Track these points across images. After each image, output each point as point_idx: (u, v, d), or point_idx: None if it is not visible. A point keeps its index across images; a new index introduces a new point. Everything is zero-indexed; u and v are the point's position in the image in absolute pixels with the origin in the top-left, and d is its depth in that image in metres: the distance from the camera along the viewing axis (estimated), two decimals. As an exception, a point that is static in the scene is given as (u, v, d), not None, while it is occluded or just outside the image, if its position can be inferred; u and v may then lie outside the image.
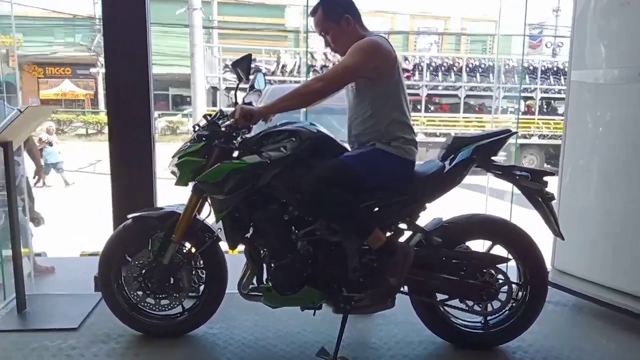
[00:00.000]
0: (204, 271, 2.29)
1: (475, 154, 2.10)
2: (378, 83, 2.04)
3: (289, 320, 2.48)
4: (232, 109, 2.08)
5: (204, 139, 2.09)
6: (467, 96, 13.10)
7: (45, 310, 2.60)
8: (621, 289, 2.43)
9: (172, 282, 2.21)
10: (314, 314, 2.21)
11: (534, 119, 13.10)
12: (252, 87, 2.28)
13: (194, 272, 2.26)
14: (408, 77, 12.14)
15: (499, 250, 2.24)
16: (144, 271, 2.21)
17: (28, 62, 19.25)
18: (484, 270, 2.16)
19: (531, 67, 13.44)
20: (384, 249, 2.01)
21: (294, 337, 2.35)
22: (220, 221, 2.10)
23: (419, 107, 12.65)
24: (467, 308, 2.23)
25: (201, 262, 2.28)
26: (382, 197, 2.09)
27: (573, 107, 2.58)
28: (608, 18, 2.36)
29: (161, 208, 2.35)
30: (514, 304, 2.25)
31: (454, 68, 12.72)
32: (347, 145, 2.21)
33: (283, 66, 12.25)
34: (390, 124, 2.07)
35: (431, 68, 12.67)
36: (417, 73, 12.62)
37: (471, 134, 2.25)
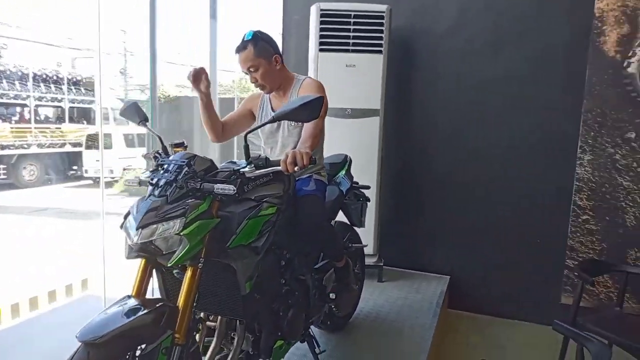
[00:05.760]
0: None
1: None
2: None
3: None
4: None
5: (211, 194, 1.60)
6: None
7: None
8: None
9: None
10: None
11: (30, 128, 12.42)
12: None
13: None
14: None
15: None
16: None
17: None
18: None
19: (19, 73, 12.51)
20: (344, 266, 2.34)
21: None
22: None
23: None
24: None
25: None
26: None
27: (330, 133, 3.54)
28: (342, 74, 3.47)
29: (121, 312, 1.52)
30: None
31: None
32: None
33: None
34: (321, 156, 2.37)
35: None
36: None
37: (336, 161, 2.77)
